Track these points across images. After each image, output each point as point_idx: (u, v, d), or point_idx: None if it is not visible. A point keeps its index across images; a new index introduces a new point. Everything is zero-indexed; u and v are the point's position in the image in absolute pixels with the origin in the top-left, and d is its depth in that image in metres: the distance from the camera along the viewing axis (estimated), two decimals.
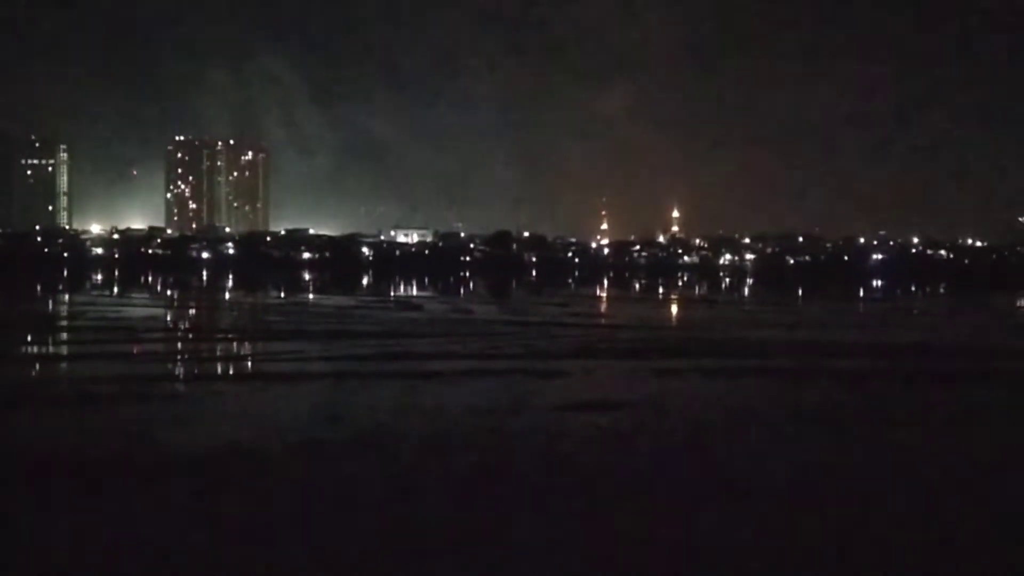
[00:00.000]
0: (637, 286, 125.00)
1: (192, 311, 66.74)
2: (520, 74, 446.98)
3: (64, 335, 45.31)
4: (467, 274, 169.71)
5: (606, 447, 19.27)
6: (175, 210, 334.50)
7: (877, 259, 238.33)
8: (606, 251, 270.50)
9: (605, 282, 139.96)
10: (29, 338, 42.69)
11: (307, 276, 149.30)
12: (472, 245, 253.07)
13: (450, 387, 27.20)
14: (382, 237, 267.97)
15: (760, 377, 30.44)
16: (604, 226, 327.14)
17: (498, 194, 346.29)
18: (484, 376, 29.38)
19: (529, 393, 26.09)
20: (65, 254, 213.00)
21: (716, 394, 26.75)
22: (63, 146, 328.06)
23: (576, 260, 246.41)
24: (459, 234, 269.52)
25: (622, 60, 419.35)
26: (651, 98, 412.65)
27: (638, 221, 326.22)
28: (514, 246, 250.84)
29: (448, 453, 18.37)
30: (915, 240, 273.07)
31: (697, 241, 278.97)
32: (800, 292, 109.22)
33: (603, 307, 79.89)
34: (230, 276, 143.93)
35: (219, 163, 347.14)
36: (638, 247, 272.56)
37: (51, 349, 39.64)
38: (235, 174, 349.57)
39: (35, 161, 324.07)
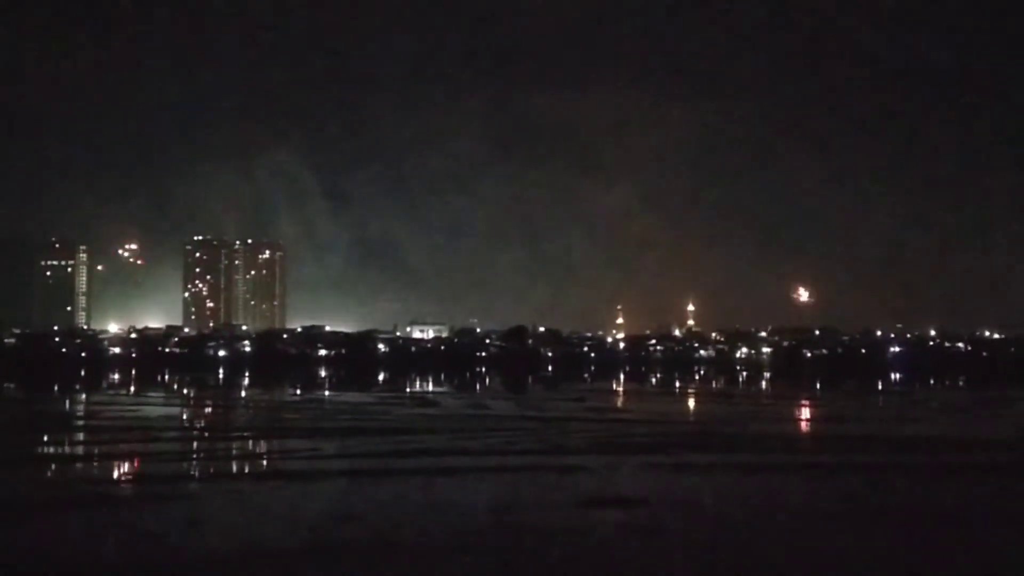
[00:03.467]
0: (654, 380, 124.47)
1: (209, 410, 66.66)
2: (529, 171, 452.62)
3: (80, 435, 45.27)
4: (483, 369, 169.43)
5: (626, 546, 19.02)
6: (193, 309, 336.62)
7: (894, 352, 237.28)
8: (622, 345, 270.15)
9: (621, 376, 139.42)
10: (45, 438, 42.66)
11: (323, 373, 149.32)
12: (488, 340, 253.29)
13: (467, 484, 27.00)
14: (398, 333, 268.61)
15: (779, 473, 30.12)
16: (619, 320, 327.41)
17: (512, 290, 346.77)
18: (501, 473, 29.17)
19: (547, 490, 25.85)
20: (83, 354, 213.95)
21: (735, 490, 26.45)
22: (82, 247, 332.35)
23: (592, 354, 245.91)
24: (474, 330, 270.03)
25: (631, 155, 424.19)
26: (661, 193, 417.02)
27: (653, 315, 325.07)
28: (530, 341, 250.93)
29: (466, 553, 18.16)
30: (932, 333, 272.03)
31: (713, 335, 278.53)
32: (818, 386, 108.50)
33: (620, 402, 79.44)
34: (247, 374, 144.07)
35: (236, 262, 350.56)
36: (654, 341, 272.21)
37: (67, 449, 39.58)
38: (252, 272, 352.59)
39: (54, 262, 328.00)
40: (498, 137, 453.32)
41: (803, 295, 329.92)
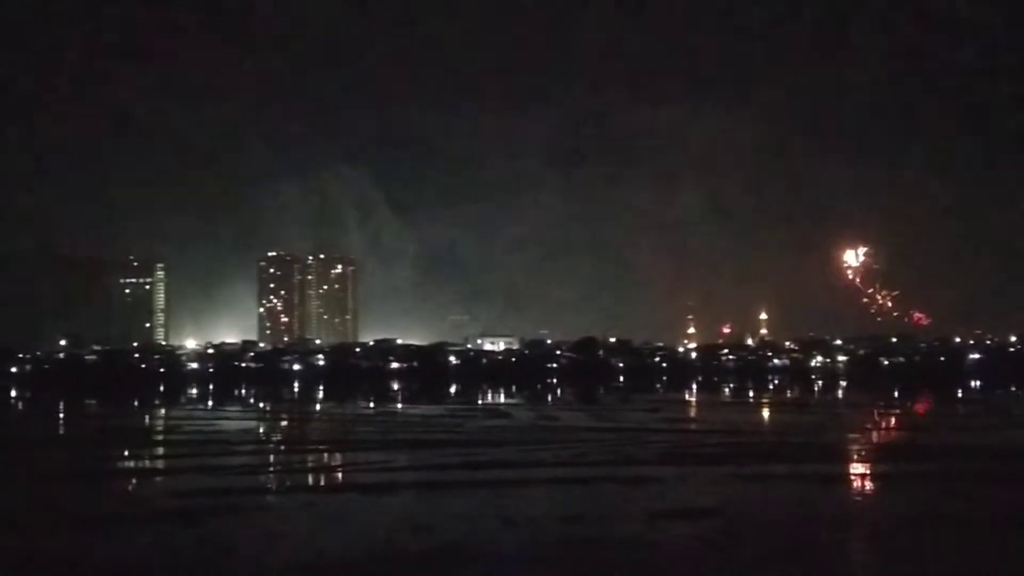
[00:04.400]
0: (727, 390, 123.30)
1: (284, 423, 67.59)
2: (598, 181, 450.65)
3: (161, 449, 46.28)
4: (554, 381, 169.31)
5: (697, 558, 18.94)
6: (267, 324, 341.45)
7: (973, 359, 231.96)
8: (694, 355, 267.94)
9: (694, 387, 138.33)
10: (126, 452, 43.66)
11: (395, 386, 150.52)
12: (558, 352, 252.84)
13: (538, 496, 27.07)
14: (469, 346, 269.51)
15: (855, 485, 29.71)
16: (691, 330, 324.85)
17: (582, 301, 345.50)
18: (572, 484, 29.18)
19: (618, 501, 25.83)
20: (161, 369, 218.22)
21: (810, 501, 26.16)
22: (159, 265, 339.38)
23: (663, 364, 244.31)
24: (545, 341, 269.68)
25: (701, 163, 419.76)
26: (731, 200, 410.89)
27: (725, 324, 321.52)
28: (600, 352, 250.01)
29: (538, 564, 18.23)
30: (1012, 339, 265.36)
31: (787, 343, 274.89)
32: (895, 394, 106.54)
33: (692, 412, 78.89)
34: (320, 387, 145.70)
35: (309, 277, 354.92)
36: (726, 350, 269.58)
37: (148, 463, 40.49)
38: (324, 287, 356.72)
39: (133, 280, 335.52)
40: (565, 147, 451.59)
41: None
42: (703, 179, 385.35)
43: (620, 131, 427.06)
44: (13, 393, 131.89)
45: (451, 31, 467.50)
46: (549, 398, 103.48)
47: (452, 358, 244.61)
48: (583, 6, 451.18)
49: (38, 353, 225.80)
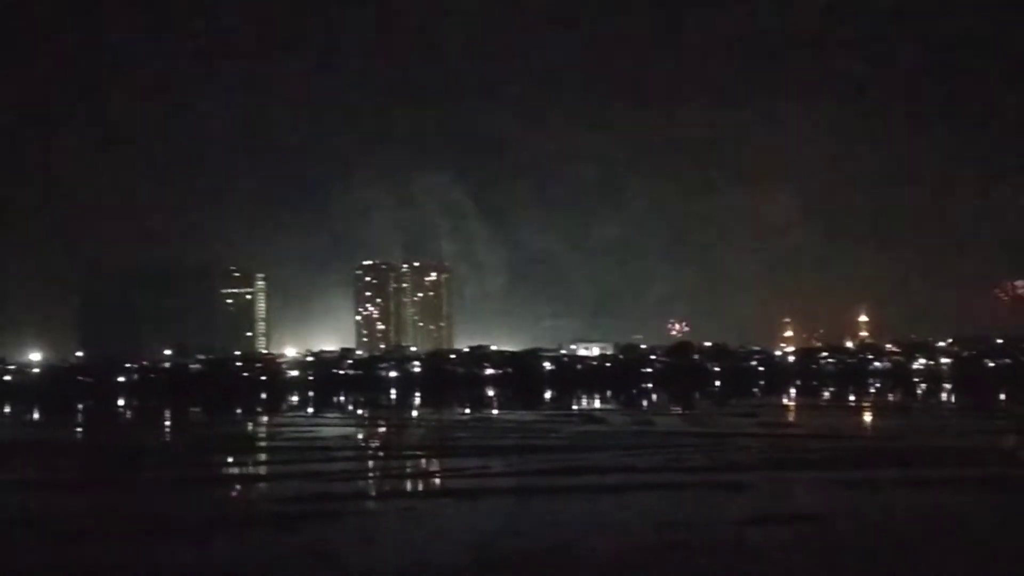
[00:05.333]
0: (826, 394, 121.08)
1: (382, 429, 68.52)
2: (691, 183, 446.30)
3: (262, 455, 47.40)
4: (649, 386, 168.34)
5: (796, 563, 18.78)
6: (364, 331, 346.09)
7: None
8: (791, 358, 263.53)
9: (792, 391, 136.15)
10: (231, 459, 44.81)
11: (490, 392, 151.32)
12: (653, 356, 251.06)
13: (633, 501, 27.05)
14: (562, 351, 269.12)
15: (958, 489, 28.99)
16: (788, 333, 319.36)
17: (676, 305, 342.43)
18: (668, 490, 29.09)
19: (714, 507, 25.69)
20: (263, 377, 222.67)
21: (912, 507, 25.66)
22: (260, 275, 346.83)
23: (760, 368, 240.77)
24: (639, 346, 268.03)
25: (796, 164, 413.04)
26: (828, 201, 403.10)
27: (823, 327, 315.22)
28: (696, 356, 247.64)
29: (635, 569, 18.28)
30: None
31: (888, 346, 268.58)
32: (1001, 397, 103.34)
33: (791, 416, 77.71)
34: (417, 394, 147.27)
35: (404, 284, 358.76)
36: (825, 353, 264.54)
37: (250, 469, 41.50)
38: (419, 294, 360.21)
39: (234, 290, 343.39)
40: (656, 151, 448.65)
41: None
42: (798, 180, 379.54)
43: (714, 132, 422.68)
44: (121, 402, 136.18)
45: (543, 34, 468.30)
46: (644, 403, 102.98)
47: (546, 364, 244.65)
48: (682, 6, 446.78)
49: (144, 363, 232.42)
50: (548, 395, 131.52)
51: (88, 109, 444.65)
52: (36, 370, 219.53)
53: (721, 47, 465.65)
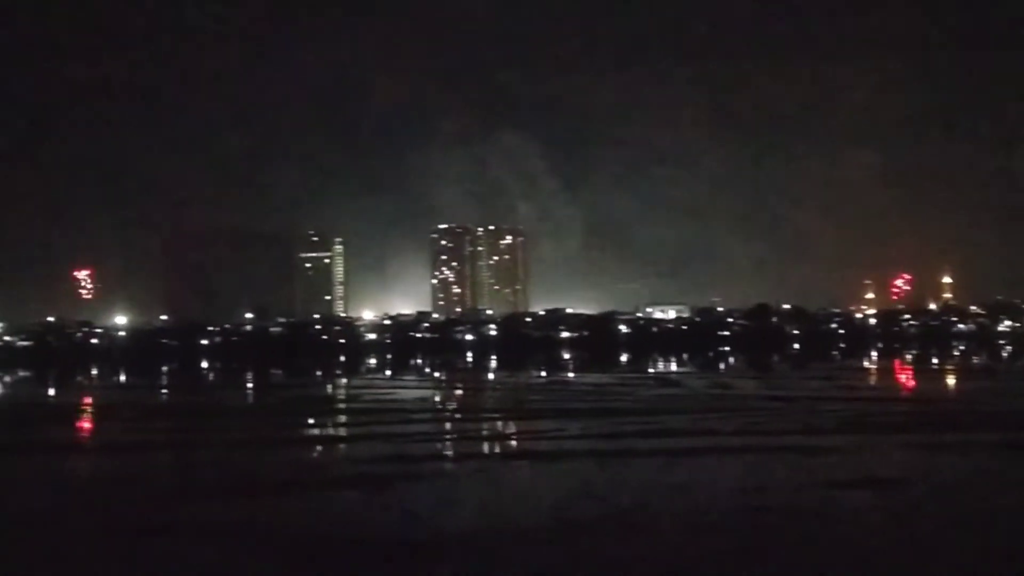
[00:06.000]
0: (908, 357, 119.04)
1: (459, 392, 69.13)
2: (766, 144, 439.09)
3: (343, 417, 48.18)
4: (726, 349, 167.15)
5: (879, 527, 18.57)
6: (440, 295, 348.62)
7: None
8: (872, 321, 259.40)
9: (873, 354, 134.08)
10: (312, 420, 45.64)
11: (566, 355, 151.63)
12: (730, 319, 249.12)
13: (711, 465, 26.96)
14: (638, 314, 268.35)
15: None
16: (869, 295, 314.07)
17: (754, 267, 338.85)
18: (747, 453, 28.93)
19: (794, 470, 25.48)
20: (341, 340, 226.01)
21: (997, 471, 25.18)
22: (338, 239, 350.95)
23: (840, 332, 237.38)
24: (716, 308, 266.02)
25: (873, 124, 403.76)
26: (907, 161, 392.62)
27: (905, 288, 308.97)
28: (774, 319, 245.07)
29: (713, 533, 18.25)
30: None
31: (972, 307, 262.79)
32: None
33: (871, 380, 76.58)
34: (493, 357, 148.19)
35: (479, 248, 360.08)
36: (907, 316, 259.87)
37: (332, 431, 42.23)
38: (495, 258, 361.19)
39: (313, 254, 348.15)
40: (731, 111, 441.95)
41: None
42: (877, 141, 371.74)
43: (790, 95, 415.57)
44: (204, 365, 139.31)
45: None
46: (721, 366, 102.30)
47: (622, 327, 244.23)
48: None
49: (227, 326, 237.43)
50: (624, 358, 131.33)
51: (167, 74, 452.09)
52: (122, 334, 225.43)
53: (792, 6, 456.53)
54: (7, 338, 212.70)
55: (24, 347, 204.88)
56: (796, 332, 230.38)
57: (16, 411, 60.79)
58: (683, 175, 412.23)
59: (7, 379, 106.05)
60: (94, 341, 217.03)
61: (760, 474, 25.03)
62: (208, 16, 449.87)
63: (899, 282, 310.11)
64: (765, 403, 47.99)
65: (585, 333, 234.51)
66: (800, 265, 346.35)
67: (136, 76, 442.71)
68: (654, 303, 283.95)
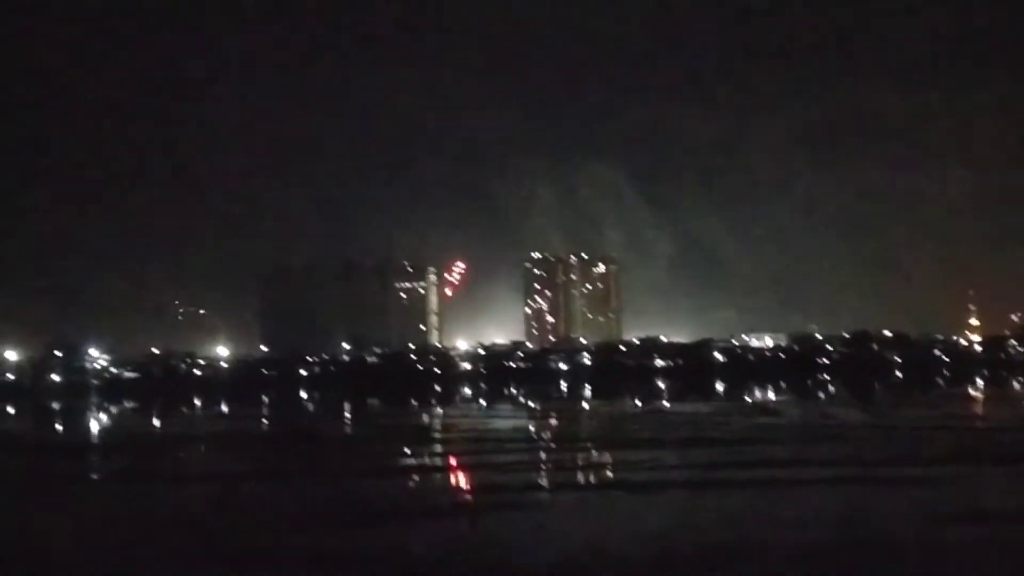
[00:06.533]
0: (1016, 384, 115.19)
1: (554, 421, 69.08)
2: (863, 169, 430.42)
3: (440, 447, 48.61)
4: (825, 377, 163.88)
5: (982, 561, 18.10)
6: (534, 324, 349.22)
7: None
8: (978, 348, 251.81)
9: (979, 381, 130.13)
10: (410, 450, 46.14)
11: (661, 384, 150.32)
12: (829, 347, 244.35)
13: (811, 496, 26.55)
14: (734, 342, 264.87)
15: None
16: (973, 321, 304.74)
17: (853, 294, 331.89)
18: (848, 484, 28.40)
19: (897, 502, 24.96)
20: (436, 370, 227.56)
21: None
22: (431, 269, 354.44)
23: (944, 359, 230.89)
24: (814, 336, 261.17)
25: (974, 147, 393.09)
26: (1008, 183, 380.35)
27: (1014, 313, 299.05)
28: (875, 346, 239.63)
29: (818, 567, 17.98)
30: None
31: None
32: None
33: (977, 408, 74.37)
34: (587, 386, 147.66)
35: (572, 276, 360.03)
36: (1015, 341, 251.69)
37: (429, 460, 42.64)
38: (588, 286, 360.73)
39: (408, 284, 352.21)
40: (826, 136, 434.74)
41: None
42: (978, 161, 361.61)
43: (888, 117, 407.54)
44: (303, 394, 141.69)
45: (703, 22, 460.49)
46: (821, 395, 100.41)
47: (718, 355, 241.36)
48: None
49: (325, 356, 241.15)
50: (720, 387, 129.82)
51: (267, 110, 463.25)
52: (224, 364, 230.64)
53: (893, 31, 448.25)
54: (114, 370, 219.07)
55: (130, 379, 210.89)
56: (898, 359, 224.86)
57: (123, 441, 62.65)
58: (778, 200, 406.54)
59: (115, 410, 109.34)
60: (197, 372, 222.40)
61: (864, 506, 24.56)
62: (302, 57, 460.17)
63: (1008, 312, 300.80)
64: (867, 432, 47.04)
65: (680, 361, 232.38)
66: (901, 291, 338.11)
67: (236, 111, 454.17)
68: (750, 331, 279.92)
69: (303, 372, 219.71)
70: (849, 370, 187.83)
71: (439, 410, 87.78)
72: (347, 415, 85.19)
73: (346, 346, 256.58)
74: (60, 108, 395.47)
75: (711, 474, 31.42)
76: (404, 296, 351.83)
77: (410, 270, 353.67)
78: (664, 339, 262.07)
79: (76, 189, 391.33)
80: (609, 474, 35.10)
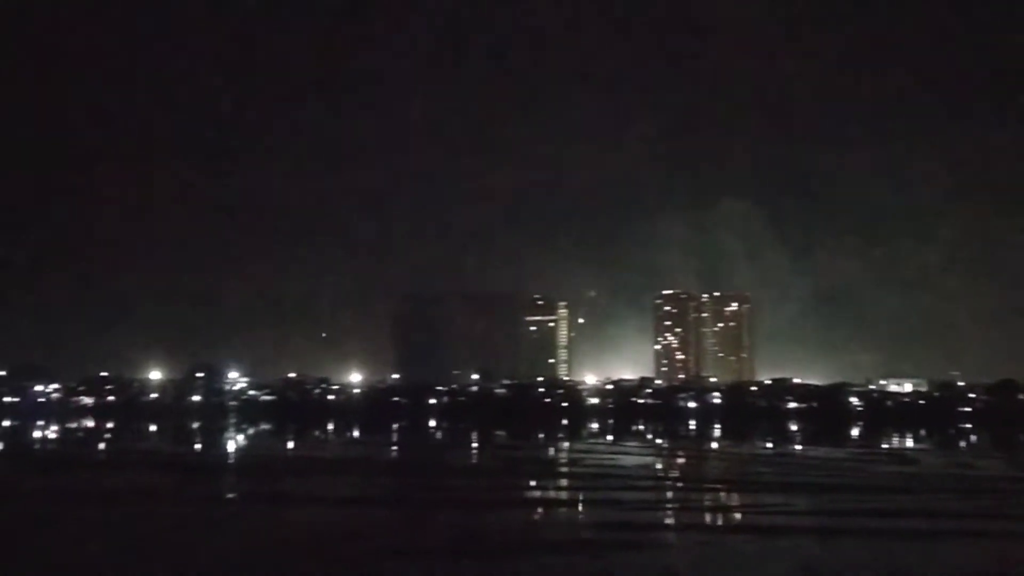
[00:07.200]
0: None
1: (681, 460, 68.36)
2: (1001, 211, 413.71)
3: (565, 481, 48.69)
4: (967, 426, 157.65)
5: None
6: (663, 361, 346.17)
7: None
8: None
9: None
10: (535, 483, 46.37)
11: (793, 426, 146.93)
12: (972, 395, 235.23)
13: (946, 549, 25.74)
14: (871, 386, 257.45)
15: None
16: None
17: (998, 340, 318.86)
18: (986, 538, 27.43)
19: None
20: (564, 404, 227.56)
21: None
22: (562, 303, 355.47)
23: None
24: (956, 383, 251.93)
25: None
26: None
27: None
28: (1020, 395, 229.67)
29: None
30: None
31: None
32: None
33: None
34: (717, 425, 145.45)
35: (704, 314, 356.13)
36: None
37: (554, 494, 42.78)
38: (719, 325, 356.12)
39: (538, 318, 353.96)
40: (968, 179, 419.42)
41: None
42: None
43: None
44: (432, 424, 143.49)
45: (844, 67, 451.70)
46: (962, 444, 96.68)
47: (853, 399, 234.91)
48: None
49: (454, 386, 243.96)
50: (855, 432, 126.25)
51: (400, 134, 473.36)
52: (356, 391, 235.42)
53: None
54: (252, 392, 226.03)
55: (267, 401, 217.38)
56: None
57: (257, 463, 64.58)
58: (917, 242, 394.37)
59: (251, 431, 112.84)
60: (331, 397, 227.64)
61: (1003, 560, 23.72)
62: (441, 93, 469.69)
63: None
64: (1011, 484, 45.20)
65: (814, 404, 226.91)
66: None
67: (372, 143, 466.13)
68: (888, 375, 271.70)
69: (432, 401, 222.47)
70: (992, 420, 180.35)
71: (565, 444, 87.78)
72: (474, 446, 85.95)
73: (475, 377, 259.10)
74: (225, 149, 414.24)
75: (841, 522, 30.74)
76: (534, 329, 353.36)
77: (540, 303, 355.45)
78: (797, 380, 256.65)
79: (222, 223, 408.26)
80: (736, 516, 34.66)
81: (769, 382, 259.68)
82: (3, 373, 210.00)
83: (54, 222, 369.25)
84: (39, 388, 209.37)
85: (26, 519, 31.76)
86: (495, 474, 52.92)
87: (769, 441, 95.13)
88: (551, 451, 77.78)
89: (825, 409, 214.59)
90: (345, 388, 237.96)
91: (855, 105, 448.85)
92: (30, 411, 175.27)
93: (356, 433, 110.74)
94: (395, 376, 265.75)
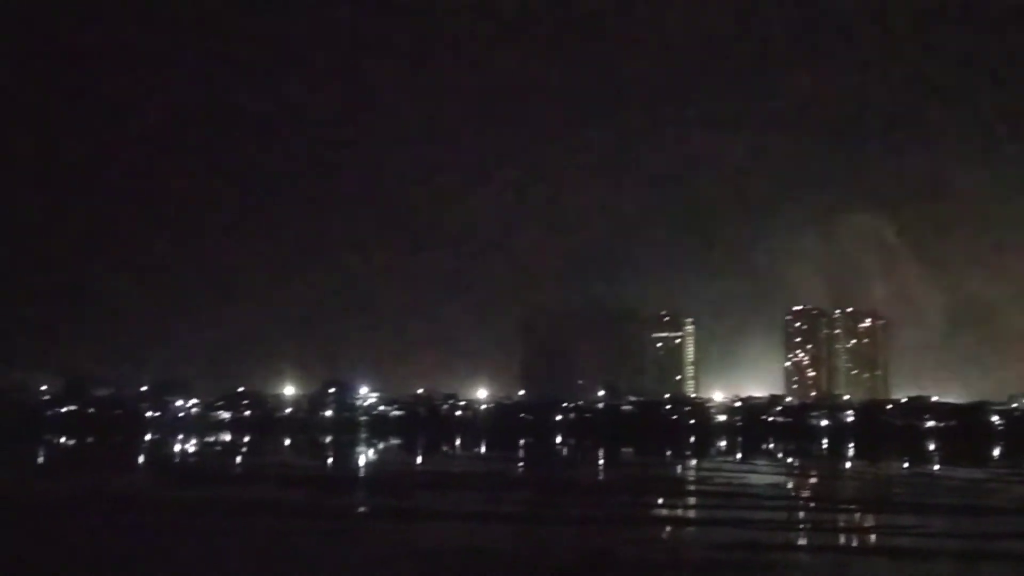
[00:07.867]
0: None
1: (813, 480, 66.94)
2: None
3: (693, 499, 48.27)
4: None
5: None
6: (794, 378, 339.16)
7: None
8: None
9: None
10: (663, 501, 46.09)
11: (931, 446, 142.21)
12: None
13: None
14: (1014, 405, 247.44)
15: None
16: None
17: None
18: None
19: None
20: (691, 421, 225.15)
21: None
22: (689, 319, 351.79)
23: None
24: None
25: None
26: None
27: None
28: None
29: None
30: None
31: None
32: None
33: None
34: (850, 445, 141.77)
35: (836, 331, 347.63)
36: None
37: (680, 512, 42.48)
38: (852, 341, 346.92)
39: (665, 334, 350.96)
40: None
41: None
42: None
43: None
44: (558, 439, 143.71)
45: (980, 74, 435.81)
46: None
47: (995, 418, 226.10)
48: None
49: (580, 403, 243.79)
50: (997, 452, 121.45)
51: (519, 151, 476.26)
52: (484, 407, 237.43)
53: None
54: (382, 408, 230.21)
55: (397, 416, 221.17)
56: None
57: (387, 478, 65.79)
58: None
59: (381, 446, 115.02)
60: (459, 413, 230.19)
61: None
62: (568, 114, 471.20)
63: None
64: None
65: (953, 423, 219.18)
66: None
67: (495, 156, 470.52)
68: None
69: (559, 417, 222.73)
70: None
71: (693, 461, 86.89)
72: (601, 462, 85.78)
73: (601, 393, 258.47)
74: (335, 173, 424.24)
75: (981, 544, 29.73)
76: (660, 346, 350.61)
77: (667, 319, 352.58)
78: (935, 399, 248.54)
79: (345, 244, 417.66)
80: (871, 538, 33.83)
81: (905, 400, 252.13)
82: (145, 388, 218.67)
83: (190, 245, 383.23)
84: (179, 403, 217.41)
85: (168, 530, 33.11)
86: (623, 491, 52.78)
87: (905, 461, 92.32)
88: (679, 469, 77.12)
89: (965, 428, 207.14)
90: (472, 404, 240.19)
91: (994, 114, 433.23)
92: (170, 425, 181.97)
93: (483, 449, 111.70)
94: (521, 392, 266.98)
